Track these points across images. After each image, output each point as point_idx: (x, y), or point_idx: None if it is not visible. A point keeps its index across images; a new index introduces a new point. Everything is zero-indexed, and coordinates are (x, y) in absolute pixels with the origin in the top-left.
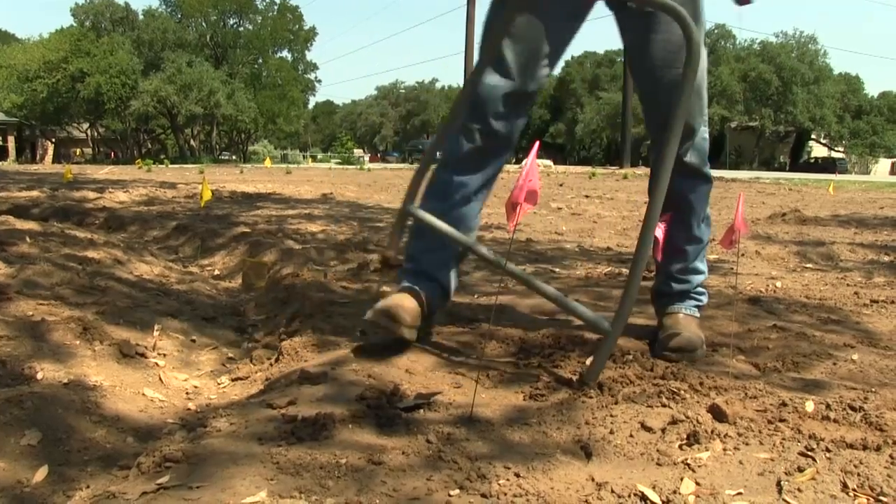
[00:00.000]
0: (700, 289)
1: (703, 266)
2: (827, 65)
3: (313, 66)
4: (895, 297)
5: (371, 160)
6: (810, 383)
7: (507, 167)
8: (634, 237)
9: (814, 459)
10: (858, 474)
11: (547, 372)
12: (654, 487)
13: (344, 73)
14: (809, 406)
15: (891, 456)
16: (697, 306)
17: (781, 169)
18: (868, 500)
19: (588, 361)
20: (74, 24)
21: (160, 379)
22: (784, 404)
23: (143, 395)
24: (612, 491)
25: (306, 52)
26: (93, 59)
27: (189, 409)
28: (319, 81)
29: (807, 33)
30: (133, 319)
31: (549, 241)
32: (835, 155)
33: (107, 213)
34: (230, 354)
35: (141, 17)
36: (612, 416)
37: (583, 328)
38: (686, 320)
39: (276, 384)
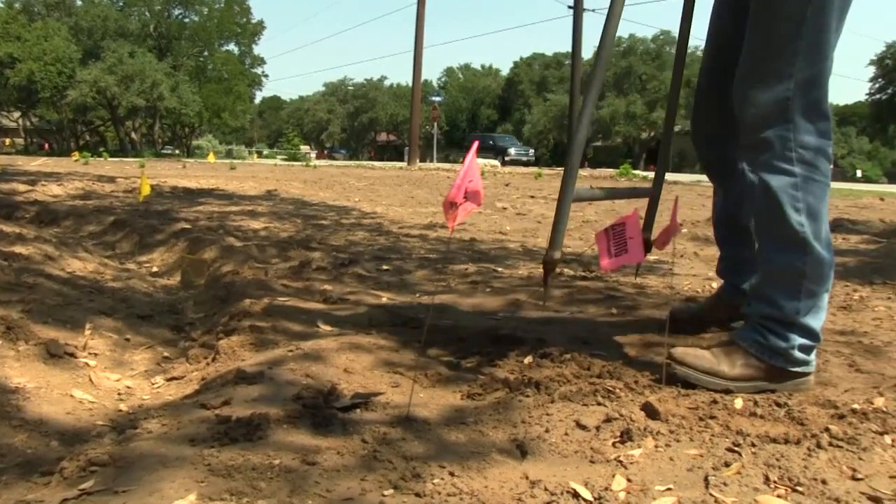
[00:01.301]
0: (773, 325)
1: (783, 299)
2: None
3: (260, 61)
4: None
5: (318, 157)
6: None
7: (441, 165)
8: (578, 238)
9: (740, 454)
10: (779, 467)
11: (485, 371)
12: (586, 484)
13: (292, 69)
14: (738, 403)
15: (808, 448)
16: (757, 342)
17: None
18: (786, 490)
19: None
20: (2, 6)
21: (90, 380)
22: (715, 402)
23: (72, 396)
24: (545, 489)
25: (253, 46)
26: (24, 45)
27: (120, 410)
28: (266, 76)
29: None
30: (63, 318)
31: (493, 240)
32: None
33: (38, 207)
34: (166, 354)
35: (79, 2)
36: (548, 414)
37: (519, 329)
38: (717, 349)
39: (211, 384)
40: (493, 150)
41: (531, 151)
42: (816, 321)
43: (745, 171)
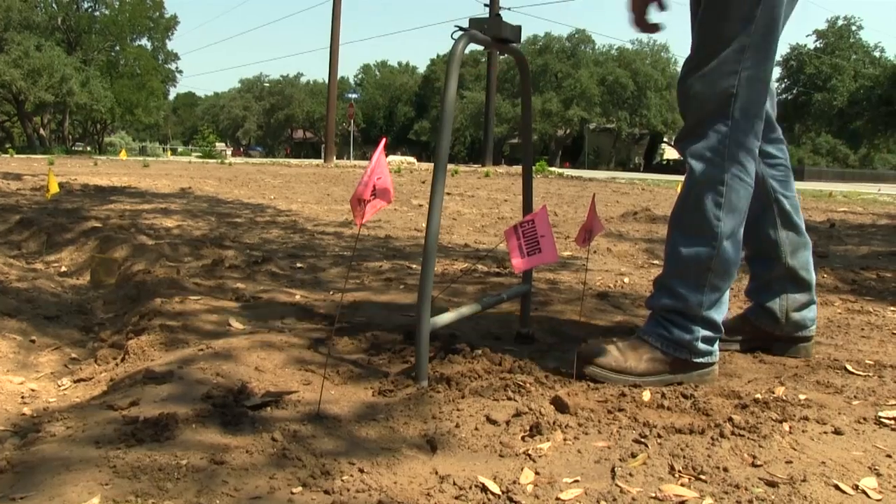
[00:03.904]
0: (676, 318)
1: (687, 291)
2: (678, 72)
3: (174, 56)
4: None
5: (234, 154)
6: None
7: (358, 162)
8: (493, 234)
9: (646, 445)
10: (684, 457)
11: (397, 367)
12: (494, 478)
13: (206, 65)
14: (646, 395)
15: (712, 438)
16: (661, 336)
17: (636, 169)
18: (690, 479)
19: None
20: None
21: None
22: (623, 395)
23: None
24: (454, 483)
25: (167, 40)
26: None
27: (24, 413)
28: (181, 72)
29: (659, 42)
30: None
31: (409, 237)
32: None
33: None
34: (74, 355)
35: None
36: (458, 409)
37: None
38: (624, 346)
39: (119, 385)
40: None
41: None
42: (718, 315)
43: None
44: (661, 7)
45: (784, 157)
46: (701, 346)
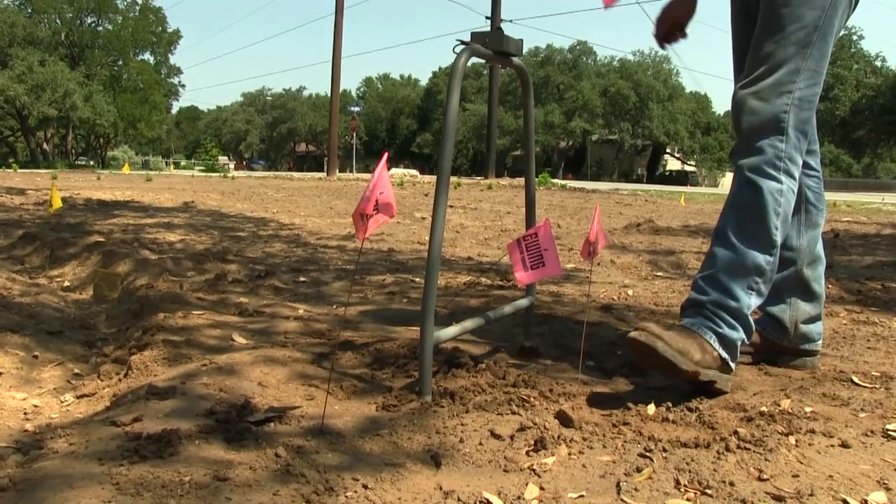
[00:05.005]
0: (726, 316)
1: (739, 291)
2: (679, 83)
3: (177, 70)
4: None
5: (237, 168)
6: (654, 387)
7: (361, 175)
8: (496, 247)
9: (651, 459)
10: (689, 471)
11: (400, 382)
12: (499, 494)
13: (209, 79)
14: (651, 409)
15: (717, 451)
16: (713, 330)
17: (639, 181)
18: (696, 493)
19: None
20: None
21: None
22: (628, 408)
23: None
24: (459, 499)
25: (170, 55)
26: None
27: (26, 430)
28: (183, 86)
29: (661, 54)
30: None
31: (412, 250)
32: (687, 168)
33: None
34: (76, 370)
35: None
36: (462, 424)
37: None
38: (678, 333)
39: (122, 400)
40: None
41: None
42: (752, 320)
43: (736, 169)
44: (683, 35)
45: (820, 169)
46: (738, 350)
